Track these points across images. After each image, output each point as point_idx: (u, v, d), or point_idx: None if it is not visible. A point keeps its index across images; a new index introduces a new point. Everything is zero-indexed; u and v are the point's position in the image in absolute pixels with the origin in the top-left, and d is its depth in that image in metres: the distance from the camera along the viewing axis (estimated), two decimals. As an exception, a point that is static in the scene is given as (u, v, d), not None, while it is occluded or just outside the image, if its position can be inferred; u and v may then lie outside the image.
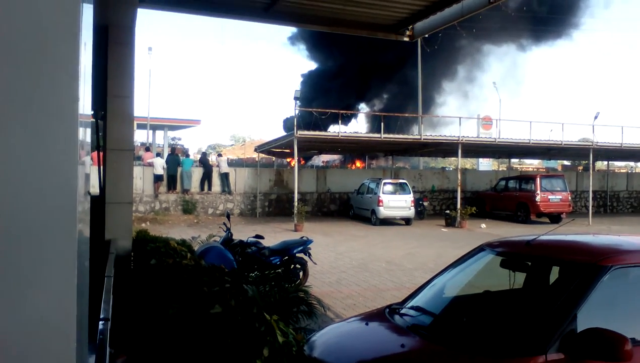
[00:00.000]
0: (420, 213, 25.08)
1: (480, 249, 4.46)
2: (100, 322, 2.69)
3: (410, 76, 38.15)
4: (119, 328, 4.00)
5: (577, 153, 30.26)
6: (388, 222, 22.85)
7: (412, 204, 22.98)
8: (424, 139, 24.05)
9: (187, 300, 3.66)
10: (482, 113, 39.22)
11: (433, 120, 38.30)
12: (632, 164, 46.55)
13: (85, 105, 1.40)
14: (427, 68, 37.96)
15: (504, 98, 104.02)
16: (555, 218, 24.17)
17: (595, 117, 27.19)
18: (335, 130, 25.06)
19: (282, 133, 35.31)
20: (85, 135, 1.54)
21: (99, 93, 6.55)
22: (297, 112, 22.31)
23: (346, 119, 40.62)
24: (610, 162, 37.28)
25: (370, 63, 38.82)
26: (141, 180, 23.68)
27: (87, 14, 1.37)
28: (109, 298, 3.33)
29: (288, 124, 42.76)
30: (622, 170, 44.14)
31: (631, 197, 34.46)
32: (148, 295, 4.67)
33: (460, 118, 26.53)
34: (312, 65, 47.19)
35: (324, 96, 40.19)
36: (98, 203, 6.42)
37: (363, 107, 44.60)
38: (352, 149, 30.42)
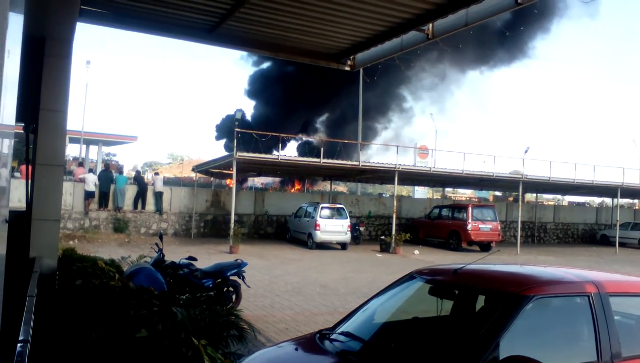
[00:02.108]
0: (357, 238, 25.34)
1: (410, 276, 4.56)
2: (19, 344, 2.57)
3: (354, 102, 38.90)
4: (39, 351, 3.83)
5: (508, 184, 31.43)
6: (324, 246, 22.94)
7: (349, 229, 23.20)
8: (362, 166, 24.40)
9: (112, 323, 3.55)
10: (422, 142, 40.27)
11: (375, 147, 39.01)
12: (559, 196, 48.74)
13: (6, 115, 1.36)
14: (375, 94, 38.77)
15: (447, 126, 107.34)
16: (485, 246, 24.93)
17: (526, 151, 28.48)
18: (276, 153, 25.13)
19: (221, 151, 35.09)
20: (1, 145, 1.50)
21: (30, 106, 6.33)
22: (235, 133, 22.21)
23: (286, 142, 40.83)
24: (538, 194, 38.89)
25: (317, 87, 39.11)
26: (71, 196, 22.88)
27: (16, 23, 1.35)
28: (29, 318, 3.20)
29: (223, 129, 42.46)
30: (549, 203, 46.18)
31: (557, 229, 36.01)
32: (72, 317, 4.50)
33: (397, 146, 27.18)
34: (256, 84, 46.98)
35: (267, 115, 40.34)
36: (23, 219, 6.16)
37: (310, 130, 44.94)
38: (291, 172, 30.50)
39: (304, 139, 39.60)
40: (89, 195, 23.11)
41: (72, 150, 41.74)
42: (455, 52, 38.45)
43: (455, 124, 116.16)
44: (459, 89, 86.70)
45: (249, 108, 43.57)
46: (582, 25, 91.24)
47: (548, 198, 51.38)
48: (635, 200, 45.43)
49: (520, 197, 29.21)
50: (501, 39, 37.93)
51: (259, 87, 45.04)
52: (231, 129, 20.68)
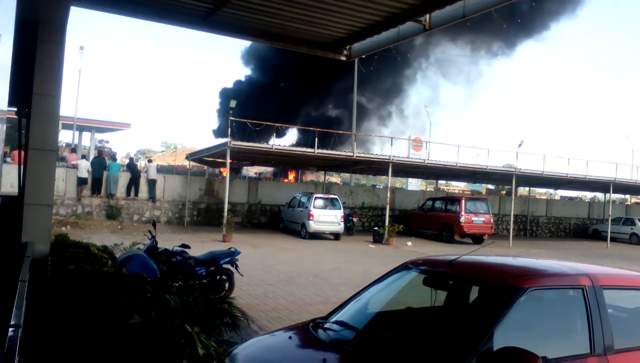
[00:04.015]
0: (350, 229, 25.37)
1: (404, 267, 4.55)
2: (10, 329, 2.55)
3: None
4: (31, 336, 3.81)
5: (501, 178, 31.53)
6: (317, 236, 22.97)
7: (342, 220, 23.21)
8: (356, 157, 24.38)
9: (105, 309, 3.53)
10: (418, 134, 40.34)
11: (369, 138, 39.01)
12: (551, 191, 48.95)
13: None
14: (375, 86, 38.64)
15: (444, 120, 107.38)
16: (477, 239, 25.01)
17: (520, 145, 28.48)
18: (270, 142, 25.07)
19: (215, 141, 34.97)
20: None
21: (23, 90, 6.27)
22: (230, 122, 22.12)
23: (281, 132, 40.70)
24: (531, 188, 39.03)
25: (314, 76, 38.90)
26: (64, 182, 22.76)
27: (8, 6, 1.32)
28: (21, 303, 3.17)
29: (220, 131, 42.35)
30: (542, 197, 46.40)
31: (550, 223, 36.18)
32: (64, 303, 4.48)
33: (392, 138, 27.17)
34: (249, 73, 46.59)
35: (261, 106, 40.09)
36: (16, 204, 6.11)
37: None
38: (285, 162, 30.45)
39: (299, 129, 39.58)
40: (81, 181, 23.01)
41: (65, 137, 41.58)
42: (450, 43, 38.50)
43: (450, 116, 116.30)
44: (454, 81, 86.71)
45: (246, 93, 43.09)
46: (577, 21, 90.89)
47: (541, 192, 51.62)
48: (627, 196, 45.71)
49: (513, 190, 29.29)
50: (498, 30, 37.92)
51: (258, 72, 44.79)
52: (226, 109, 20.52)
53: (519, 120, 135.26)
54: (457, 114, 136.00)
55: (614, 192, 32.89)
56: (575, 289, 3.79)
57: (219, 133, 43.36)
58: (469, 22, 8.21)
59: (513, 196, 29.32)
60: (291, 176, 38.70)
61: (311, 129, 25.75)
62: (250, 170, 43.33)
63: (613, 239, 30.19)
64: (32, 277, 4.82)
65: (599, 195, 43.86)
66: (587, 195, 50.48)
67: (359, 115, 40.23)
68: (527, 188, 38.77)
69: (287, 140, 44.55)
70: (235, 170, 37.96)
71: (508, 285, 3.61)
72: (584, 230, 36.47)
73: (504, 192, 41.51)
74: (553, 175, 28.75)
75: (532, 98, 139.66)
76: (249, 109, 38.29)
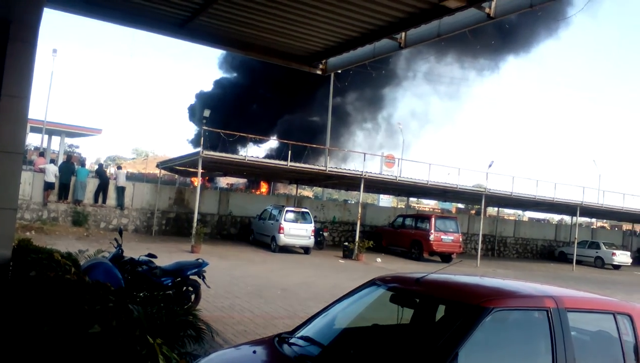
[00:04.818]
0: (320, 244, 25.33)
1: (372, 283, 4.54)
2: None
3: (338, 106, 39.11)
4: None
5: (471, 197, 31.89)
6: (287, 249, 22.88)
7: (313, 234, 23.17)
8: (329, 171, 24.43)
9: (65, 318, 3.44)
10: (400, 147, 40.73)
11: (342, 153, 39.16)
12: (520, 212, 49.64)
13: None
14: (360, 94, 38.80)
15: (413, 139, 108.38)
16: (446, 257, 25.19)
17: (490, 165, 28.97)
18: (247, 151, 25.01)
19: (188, 151, 34.67)
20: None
21: (-9, 91, 6.12)
22: (203, 131, 22.00)
23: (256, 142, 40.57)
24: (500, 208, 39.55)
25: (297, 83, 38.79)
26: (30, 186, 22.29)
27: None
28: (-23, 310, 3.06)
29: (197, 141, 42.01)
30: (510, 218, 47.02)
31: (517, 244, 36.68)
32: (24, 310, 4.35)
33: (365, 154, 27.31)
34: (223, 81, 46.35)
35: (243, 108, 39.96)
36: (-23, 207, 5.95)
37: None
38: (257, 174, 30.34)
39: (273, 140, 39.54)
40: (48, 186, 22.56)
41: (33, 140, 40.75)
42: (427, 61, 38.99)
43: (423, 135, 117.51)
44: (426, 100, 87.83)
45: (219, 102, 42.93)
46: (548, 45, 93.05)
47: (509, 213, 52.33)
48: (593, 219, 46.62)
49: (482, 210, 29.64)
50: (473, 51, 38.63)
51: (232, 81, 44.66)
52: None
53: (489, 139, 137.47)
54: (434, 130, 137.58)
55: (581, 215, 33.53)
56: (540, 311, 3.82)
57: (196, 143, 43.08)
58: (444, 41, 8.35)
59: (482, 216, 29.69)
60: (263, 188, 38.54)
61: (285, 141, 25.73)
62: (222, 181, 43.02)
63: (579, 262, 30.72)
64: (-9, 283, 4.68)
65: (566, 218, 44.64)
66: (555, 217, 51.39)
67: (343, 122, 40.38)
68: (496, 209, 39.26)
69: (268, 146, 44.51)
70: (209, 180, 37.68)
71: (473, 305, 3.62)
72: (550, 252, 37.04)
73: (473, 212, 41.99)
74: (521, 197, 29.17)
75: (504, 118, 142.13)
76: (228, 112, 37.98)
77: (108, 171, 30.39)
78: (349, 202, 38.86)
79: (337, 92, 35.43)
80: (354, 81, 34.88)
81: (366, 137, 48.29)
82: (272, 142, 43.17)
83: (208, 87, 61.89)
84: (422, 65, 43.27)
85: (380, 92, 45.41)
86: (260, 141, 40.48)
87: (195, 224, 20.92)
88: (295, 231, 22.74)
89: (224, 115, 37.73)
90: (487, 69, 47.99)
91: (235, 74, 45.11)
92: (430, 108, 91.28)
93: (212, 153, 21.56)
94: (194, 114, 44.29)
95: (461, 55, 43.03)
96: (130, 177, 33.01)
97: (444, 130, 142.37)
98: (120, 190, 24.57)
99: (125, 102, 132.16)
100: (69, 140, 43.92)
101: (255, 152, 43.62)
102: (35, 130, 33.41)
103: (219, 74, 55.65)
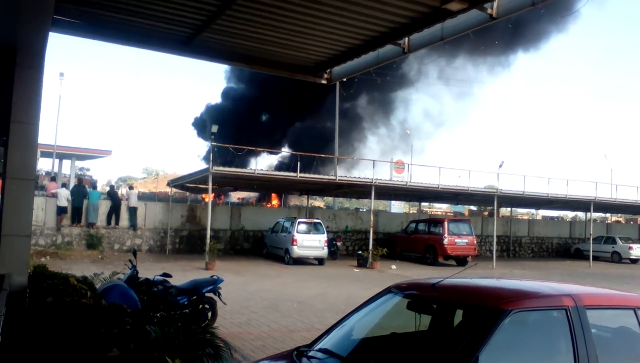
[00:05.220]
0: (334, 254, 25.25)
1: (388, 291, 4.51)
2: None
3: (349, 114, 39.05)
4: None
5: (483, 199, 31.72)
6: (301, 261, 22.82)
7: (326, 244, 23.11)
8: (339, 180, 24.40)
9: (83, 342, 3.44)
10: (404, 154, 40.73)
11: (352, 160, 39.17)
12: (533, 211, 49.33)
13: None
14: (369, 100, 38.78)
15: (424, 143, 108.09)
16: (461, 261, 25.03)
17: (500, 166, 28.77)
18: (257, 163, 25.08)
19: (199, 167, 34.77)
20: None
21: (1, 118, 6.19)
22: (212, 147, 22.08)
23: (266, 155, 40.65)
24: (513, 208, 39.26)
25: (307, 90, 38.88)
26: (43, 211, 22.43)
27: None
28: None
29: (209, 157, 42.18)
30: (524, 217, 46.71)
31: (532, 243, 36.38)
32: (42, 336, 4.36)
33: (374, 161, 27.29)
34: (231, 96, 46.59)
35: (252, 120, 40.00)
36: (-8, 235, 5.99)
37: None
38: (267, 187, 30.35)
39: (281, 152, 39.56)
40: (61, 210, 22.69)
41: (44, 165, 41.16)
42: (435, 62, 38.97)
43: (437, 136, 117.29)
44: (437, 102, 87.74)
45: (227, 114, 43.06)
46: (558, 41, 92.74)
47: (522, 212, 52.01)
48: (608, 214, 46.22)
49: (495, 211, 29.45)
50: (479, 51, 38.55)
51: (238, 95, 44.88)
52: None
53: (500, 139, 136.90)
54: (447, 130, 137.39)
55: (595, 211, 33.22)
56: (559, 310, 3.78)
57: (207, 159, 43.21)
58: (452, 42, 8.35)
59: (495, 217, 29.48)
60: (275, 201, 38.55)
61: (293, 153, 25.74)
62: (234, 196, 43.09)
63: (595, 258, 30.40)
64: (9, 310, 4.71)
65: (580, 215, 44.27)
66: (569, 214, 51.00)
67: (355, 127, 40.20)
68: (509, 209, 38.98)
69: (280, 154, 44.63)
70: (221, 195, 37.71)
71: (492, 308, 3.59)
72: (566, 249, 36.70)
73: (486, 213, 41.76)
74: (534, 195, 28.98)
75: (512, 117, 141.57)
76: (238, 123, 37.96)
77: (119, 192, 30.53)
78: (360, 210, 38.77)
79: (348, 97, 35.35)
80: (364, 85, 34.85)
81: (379, 141, 48.22)
82: (284, 151, 43.25)
83: (216, 100, 62.12)
84: (433, 66, 43.15)
85: (392, 95, 45.27)
86: (271, 152, 40.53)
87: (208, 241, 20.92)
88: (309, 242, 22.69)
89: (234, 127, 37.78)
90: (499, 65, 47.76)
91: (243, 85, 45.24)
92: (444, 108, 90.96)
93: (221, 168, 21.61)
94: (203, 129, 44.43)
95: (472, 54, 42.92)
96: (142, 196, 33.17)
97: (457, 130, 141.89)
98: (133, 211, 24.67)
99: (133, 121, 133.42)
100: (79, 163, 44.26)
101: (269, 160, 43.72)
102: (45, 154, 33.71)
103: (226, 84, 55.83)
